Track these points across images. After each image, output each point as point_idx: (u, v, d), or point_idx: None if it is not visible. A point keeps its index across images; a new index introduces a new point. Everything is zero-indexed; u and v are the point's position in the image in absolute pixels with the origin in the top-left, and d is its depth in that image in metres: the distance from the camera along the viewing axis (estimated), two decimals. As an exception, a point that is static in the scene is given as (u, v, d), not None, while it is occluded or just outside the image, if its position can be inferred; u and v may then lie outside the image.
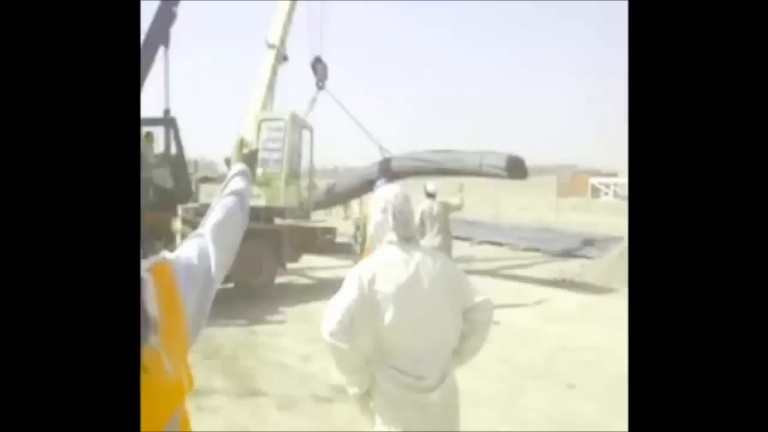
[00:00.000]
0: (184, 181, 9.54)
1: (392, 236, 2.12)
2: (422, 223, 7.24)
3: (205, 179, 10.05)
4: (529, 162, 10.13)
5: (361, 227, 9.26)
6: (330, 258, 10.67)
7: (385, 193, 2.23)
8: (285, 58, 11.17)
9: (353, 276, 2.05)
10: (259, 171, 9.16)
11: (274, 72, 10.86)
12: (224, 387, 4.84)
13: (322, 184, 12.17)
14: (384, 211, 2.16)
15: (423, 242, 7.14)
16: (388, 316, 1.99)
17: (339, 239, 10.64)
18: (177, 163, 9.53)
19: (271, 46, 10.88)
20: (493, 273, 10.88)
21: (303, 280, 10.41)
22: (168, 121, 9.75)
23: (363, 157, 13.19)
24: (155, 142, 9.37)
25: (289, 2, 11.10)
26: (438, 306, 2.06)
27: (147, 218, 8.06)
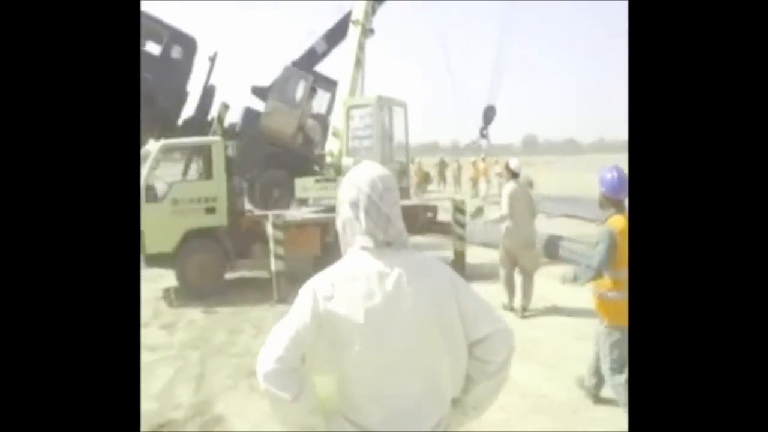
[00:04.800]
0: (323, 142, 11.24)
1: (365, 241, 1.48)
2: (511, 206, 6.35)
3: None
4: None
5: (463, 210, 8.61)
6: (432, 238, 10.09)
7: (357, 177, 1.52)
8: (371, 32, 10.73)
9: (306, 292, 1.47)
10: (350, 161, 9.03)
11: (361, 48, 10.39)
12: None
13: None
14: (354, 205, 1.50)
15: (509, 226, 6.26)
16: (350, 351, 1.41)
17: (441, 217, 10.15)
18: (326, 124, 11.80)
19: (355, 23, 10.43)
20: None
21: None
22: (334, 86, 11.76)
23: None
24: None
25: None
26: (424, 339, 1.45)
27: (244, 222, 8.40)
